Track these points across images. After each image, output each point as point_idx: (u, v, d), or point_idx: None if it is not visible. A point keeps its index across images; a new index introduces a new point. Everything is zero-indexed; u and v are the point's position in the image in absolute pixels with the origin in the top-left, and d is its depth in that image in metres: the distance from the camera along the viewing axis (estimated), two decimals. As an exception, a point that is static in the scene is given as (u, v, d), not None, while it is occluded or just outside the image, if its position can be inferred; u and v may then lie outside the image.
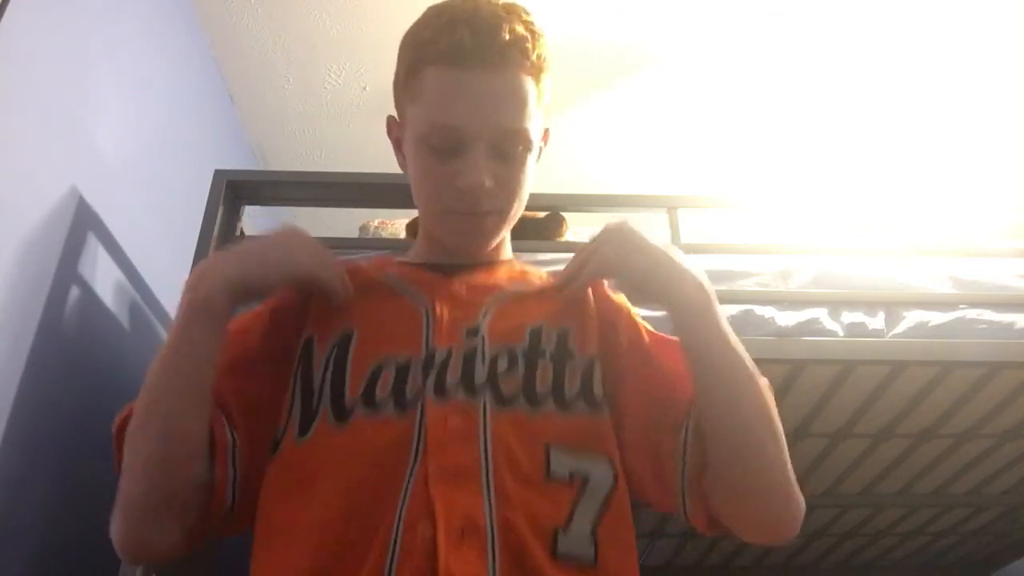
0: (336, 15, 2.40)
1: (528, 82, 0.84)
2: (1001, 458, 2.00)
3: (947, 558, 2.75)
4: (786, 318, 1.58)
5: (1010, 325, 1.61)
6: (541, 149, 0.93)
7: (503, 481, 0.71)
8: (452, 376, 0.76)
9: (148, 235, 1.90)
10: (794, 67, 2.61)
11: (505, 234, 0.93)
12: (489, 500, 0.69)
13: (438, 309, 0.81)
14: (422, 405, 0.74)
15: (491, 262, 0.93)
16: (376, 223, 2.21)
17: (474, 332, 0.79)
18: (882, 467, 2.06)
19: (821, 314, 1.60)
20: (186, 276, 1.48)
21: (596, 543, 0.72)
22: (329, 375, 0.78)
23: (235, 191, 1.64)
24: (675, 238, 1.66)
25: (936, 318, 1.61)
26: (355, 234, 2.23)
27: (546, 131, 0.93)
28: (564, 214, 1.86)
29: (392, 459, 0.71)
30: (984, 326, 1.60)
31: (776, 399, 0.86)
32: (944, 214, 2.33)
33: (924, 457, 2.00)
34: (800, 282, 1.66)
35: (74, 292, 1.56)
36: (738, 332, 1.54)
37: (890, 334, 1.59)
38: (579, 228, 2.09)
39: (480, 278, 0.88)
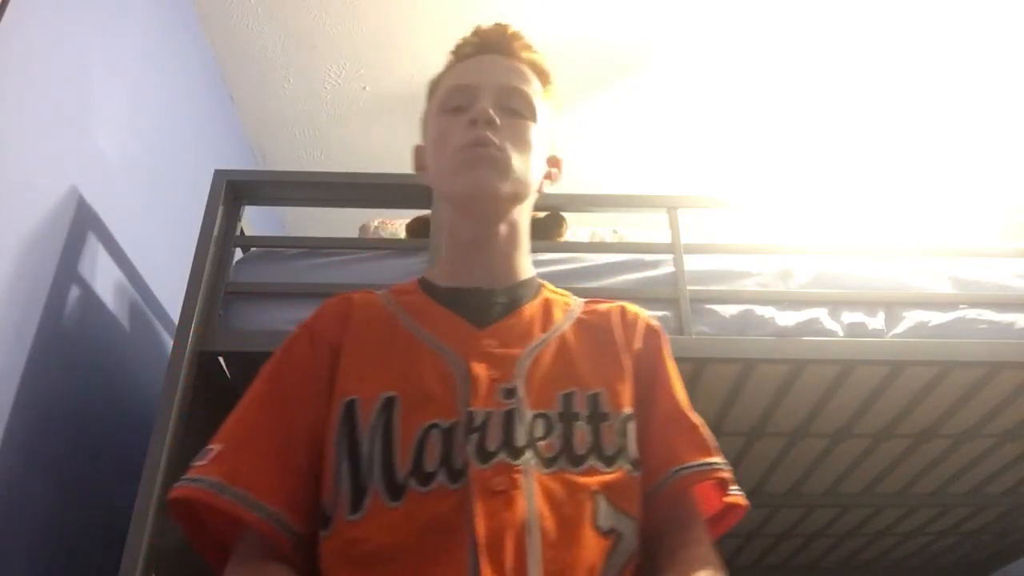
0: (336, 15, 2.40)
1: (531, 73, 0.96)
2: (1001, 458, 2.00)
3: (947, 558, 2.75)
4: (786, 318, 1.58)
5: (1010, 325, 1.61)
6: (552, 175, 1.00)
7: (548, 529, 0.72)
8: (493, 441, 0.76)
9: (148, 235, 1.89)
10: (794, 67, 2.61)
11: (516, 200, 0.93)
12: (536, 554, 0.70)
13: (474, 369, 0.81)
14: (467, 471, 0.75)
15: (516, 293, 0.92)
16: (376, 223, 2.21)
17: (511, 393, 0.80)
18: (882, 467, 2.06)
19: (821, 314, 1.60)
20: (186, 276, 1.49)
21: None
22: (378, 447, 0.78)
23: (235, 191, 1.64)
24: (675, 238, 1.66)
25: (936, 318, 1.61)
26: (355, 234, 2.23)
27: (558, 159, 1.01)
28: (564, 214, 1.86)
29: (449, 529, 0.72)
30: (984, 326, 1.60)
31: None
32: (944, 214, 2.34)
33: (924, 457, 2.00)
34: (800, 282, 1.66)
35: (74, 292, 1.56)
36: (738, 332, 1.57)
37: (890, 334, 1.59)
38: (579, 228, 2.09)
39: (509, 326, 0.88)
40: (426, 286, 0.95)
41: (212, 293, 1.52)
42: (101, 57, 1.73)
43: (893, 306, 1.63)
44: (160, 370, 1.47)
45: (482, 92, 0.92)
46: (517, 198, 0.92)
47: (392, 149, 2.84)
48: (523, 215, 0.95)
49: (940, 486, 2.17)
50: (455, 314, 0.89)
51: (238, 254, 1.68)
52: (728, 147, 2.92)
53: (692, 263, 1.63)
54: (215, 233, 1.56)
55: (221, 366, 1.59)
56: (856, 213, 2.04)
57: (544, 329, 0.88)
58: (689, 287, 1.58)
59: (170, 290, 1.89)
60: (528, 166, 0.91)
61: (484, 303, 0.90)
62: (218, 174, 1.63)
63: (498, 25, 0.98)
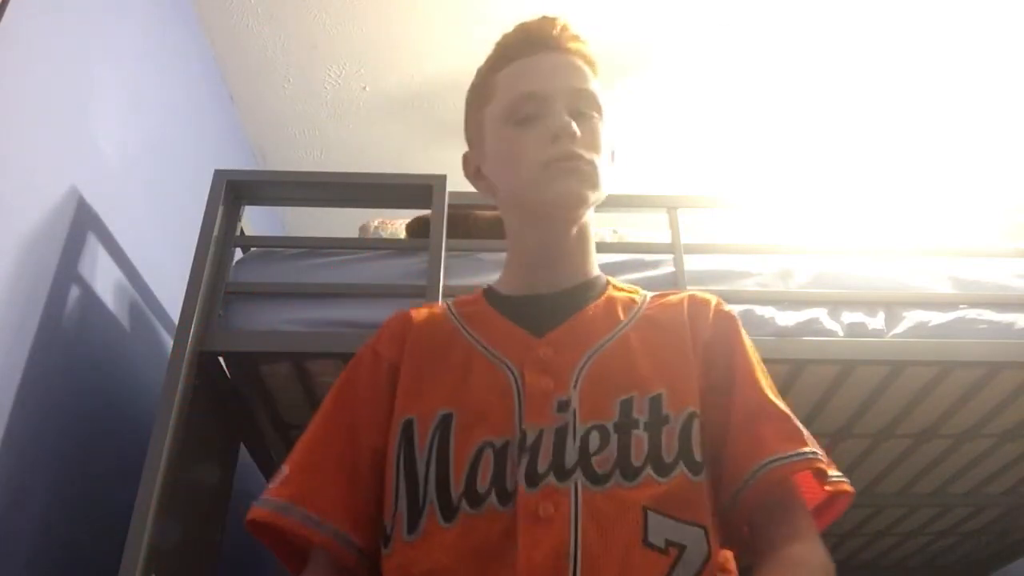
0: (336, 15, 2.40)
1: (586, 67, 0.94)
2: (1001, 458, 2.00)
3: (947, 558, 2.75)
4: (786, 318, 1.58)
5: (1010, 325, 1.61)
6: (612, 154, 0.96)
7: (591, 554, 0.70)
8: (543, 462, 0.76)
9: (148, 235, 1.89)
10: (794, 66, 2.60)
11: (595, 204, 0.91)
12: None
13: (529, 379, 0.81)
14: (516, 494, 0.75)
15: (579, 295, 0.90)
16: (376, 223, 2.21)
17: (565, 406, 0.79)
18: (882, 467, 2.06)
19: (821, 314, 1.60)
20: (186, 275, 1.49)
21: None
22: (433, 466, 0.79)
23: (235, 191, 1.64)
24: (675, 238, 1.66)
25: (936, 318, 1.61)
26: (355, 234, 2.22)
27: (612, 152, 0.97)
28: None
29: (498, 555, 0.72)
30: (984, 326, 1.60)
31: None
32: (944, 214, 2.34)
33: (924, 457, 2.00)
34: (800, 282, 1.66)
35: (74, 292, 1.56)
36: (738, 332, 1.56)
37: (890, 334, 1.60)
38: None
39: (568, 332, 0.86)
40: (490, 296, 0.95)
41: (212, 293, 1.52)
42: (101, 57, 1.73)
43: (893, 306, 1.63)
44: (160, 370, 1.47)
45: (554, 101, 0.88)
46: (596, 202, 0.91)
47: (392, 149, 2.85)
48: (590, 215, 0.94)
49: (940, 486, 2.17)
50: (514, 323, 0.88)
51: (238, 254, 1.68)
52: (728, 147, 2.92)
53: (692, 263, 1.63)
54: (215, 233, 1.55)
55: (221, 366, 1.59)
56: (856, 213, 2.04)
57: (606, 331, 0.86)
58: (689, 287, 1.58)
59: (170, 290, 1.89)
60: (606, 168, 0.91)
61: (544, 309, 0.89)
62: (218, 174, 1.63)
63: (545, 19, 0.95)
